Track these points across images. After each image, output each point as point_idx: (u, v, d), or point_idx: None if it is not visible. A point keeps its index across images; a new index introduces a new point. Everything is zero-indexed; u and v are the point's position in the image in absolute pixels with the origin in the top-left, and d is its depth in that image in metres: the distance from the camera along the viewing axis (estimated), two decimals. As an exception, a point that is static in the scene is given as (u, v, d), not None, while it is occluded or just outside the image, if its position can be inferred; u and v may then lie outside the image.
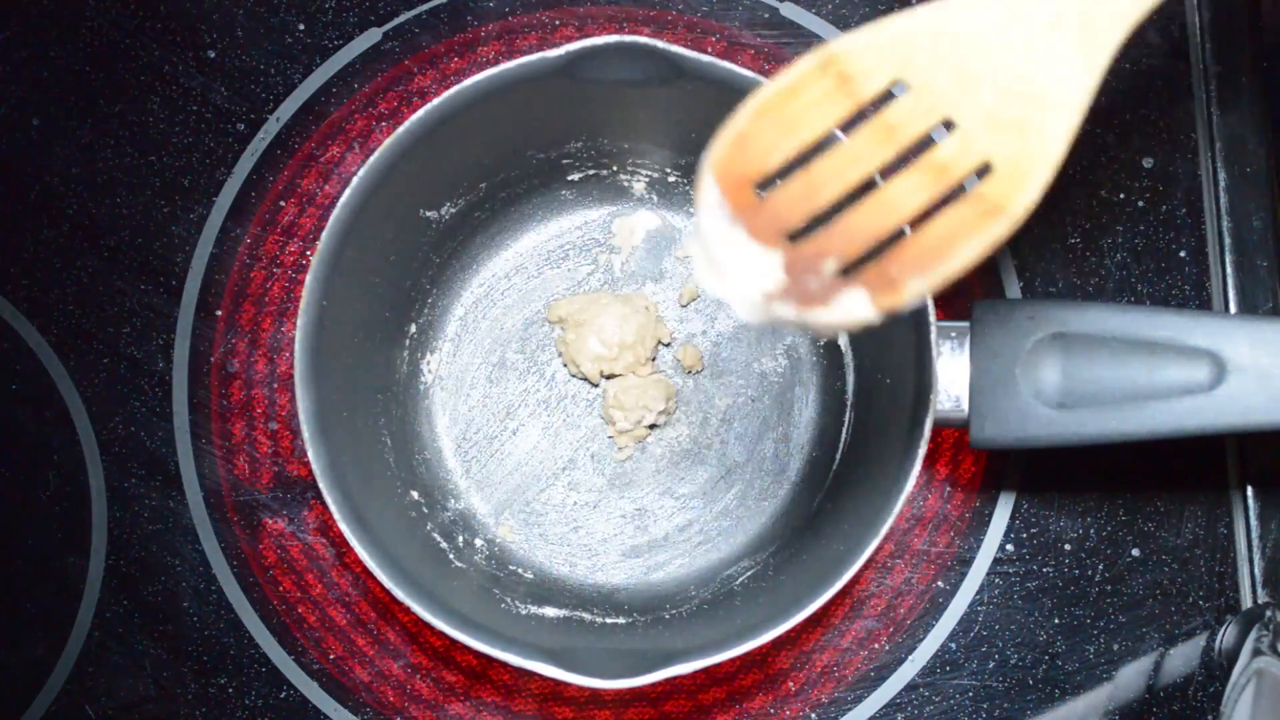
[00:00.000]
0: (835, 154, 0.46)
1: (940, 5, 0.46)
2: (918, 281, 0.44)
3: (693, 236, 0.45)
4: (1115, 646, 0.65)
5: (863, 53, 0.46)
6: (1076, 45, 0.46)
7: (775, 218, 0.46)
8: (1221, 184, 0.68)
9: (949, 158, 0.46)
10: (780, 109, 0.46)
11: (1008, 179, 0.45)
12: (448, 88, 0.55)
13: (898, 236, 0.45)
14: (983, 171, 0.46)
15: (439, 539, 0.62)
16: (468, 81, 0.55)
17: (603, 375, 0.65)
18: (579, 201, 0.67)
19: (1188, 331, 0.53)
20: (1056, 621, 0.65)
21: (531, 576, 0.64)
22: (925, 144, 0.46)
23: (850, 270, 0.45)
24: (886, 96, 0.46)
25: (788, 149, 0.46)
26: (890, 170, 0.46)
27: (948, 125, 0.46)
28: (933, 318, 0.54)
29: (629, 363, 0.64)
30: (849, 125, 0.47)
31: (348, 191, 0.55)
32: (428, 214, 0.62)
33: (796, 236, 0.46)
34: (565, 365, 0.66)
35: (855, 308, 0.44)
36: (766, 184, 0.46)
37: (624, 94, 0.57)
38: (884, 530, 0.53)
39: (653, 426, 0.65)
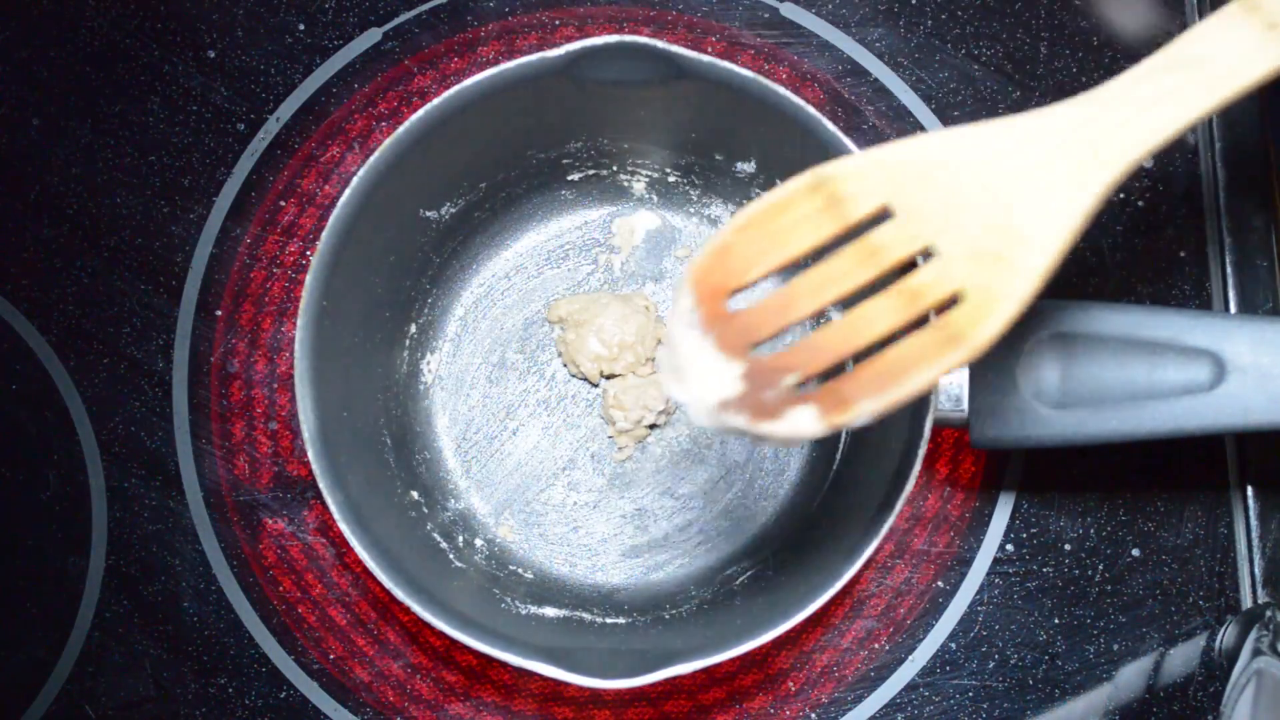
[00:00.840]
0: (815, 271, 0.47)
1: (942, 134, 0.47)
2: (869, 403, 0.46)
3: (662, 343, 0.47)
4: (1115, 646, 0.65)
5: (857, 177, 0.47)
6: (1067, 185, 0.47)
7: (746, 329, 0.47)
8: (1221, 184, 0.68)
9: (924, 284, 0.47)
10: (767, 224, 0.47)
11: (974, 310, 0.46)
12: (448, 88, 0.55)
13: (858, 357, 0.47)
14: (952, 300, 0.47)
15: (439, 539, 0.62)
16: (468, 81, 0.55)
17: (603, 375, 0.65)
18: (579, 201, 0.67)
19: (1188, 331, 0.53)
20: (1056, 621, 0.65)
21: (531, 576, 0.64)
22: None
23: (804, 385, 0.46)
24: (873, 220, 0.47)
25: (770, 263, 0.47)
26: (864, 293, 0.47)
27: (927, 253, 0.47)
28: (933, 318, 0.54)
29: (629, 363, 0.64)
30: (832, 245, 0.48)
31: (348, 191, 0.55)
32: (428, 214, 0.62)
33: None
34: (565, 365, 0.66)
35: (804, 423, 0.45)
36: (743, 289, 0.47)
37: (624, 94, 0.57)
38: (884, 530, 0.53)
39: (653, 426, 0.65)
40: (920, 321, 0.46)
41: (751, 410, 0.46)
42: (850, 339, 0.47)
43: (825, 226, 0.47)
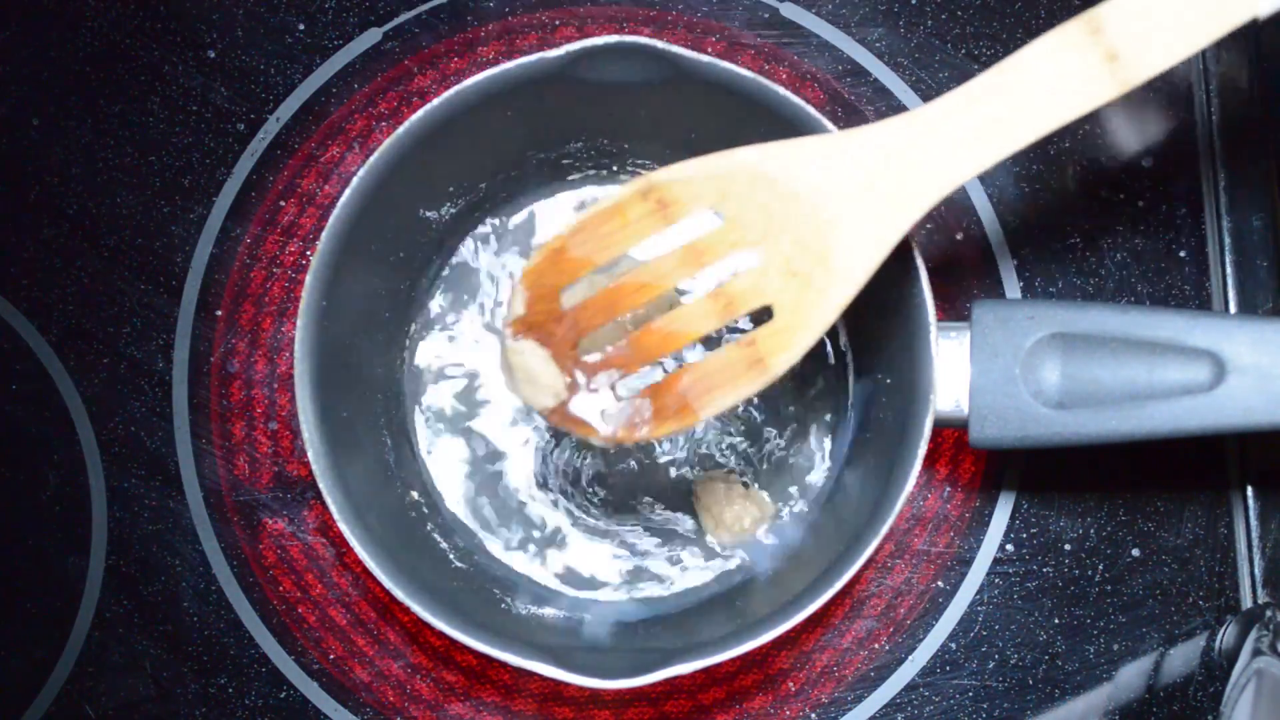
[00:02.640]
0: (642, 269, 0.50)
1: (765, 149, 0.49)
2: (672, 425, 0.50)
3: (502, 348, 0.52)
4: (1115, 646, 0.65)
5: (685, 184, 0.49)
6: (880, 219, 0.48)
7: (575, 325, 0.51)
8: (1221, 184, 0.68)
9: (740, 292, 0.49)
10: (598, 227, 0.50)
11: (780, 333, 0.49)
12: (448, 88, 0.55)
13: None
14: (763, 316, 0.49)
15: (439, 539, 0.62)
16: (468, 81, 0.55)
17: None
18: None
19: (1188, 331, 0.53)
20: (1056, 621, 0.65)
21: (531, 576, 0.64)
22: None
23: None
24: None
25: (600, 260, 0.50)
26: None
27: (747, 259, 0.49)
28: (932, 318, 0.54)
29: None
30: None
31: (348, 191, 0.55)
32: (428, 214, 0.62)
33: (590, 347, 0.51)
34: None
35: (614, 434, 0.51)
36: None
37: (624, 94, 0.57)
38: (884, 530, 0.53)
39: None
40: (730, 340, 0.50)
41: (571, 422, 0.51)
42: (668, 341, 0.50)
43: (653, 227, 0.50)
